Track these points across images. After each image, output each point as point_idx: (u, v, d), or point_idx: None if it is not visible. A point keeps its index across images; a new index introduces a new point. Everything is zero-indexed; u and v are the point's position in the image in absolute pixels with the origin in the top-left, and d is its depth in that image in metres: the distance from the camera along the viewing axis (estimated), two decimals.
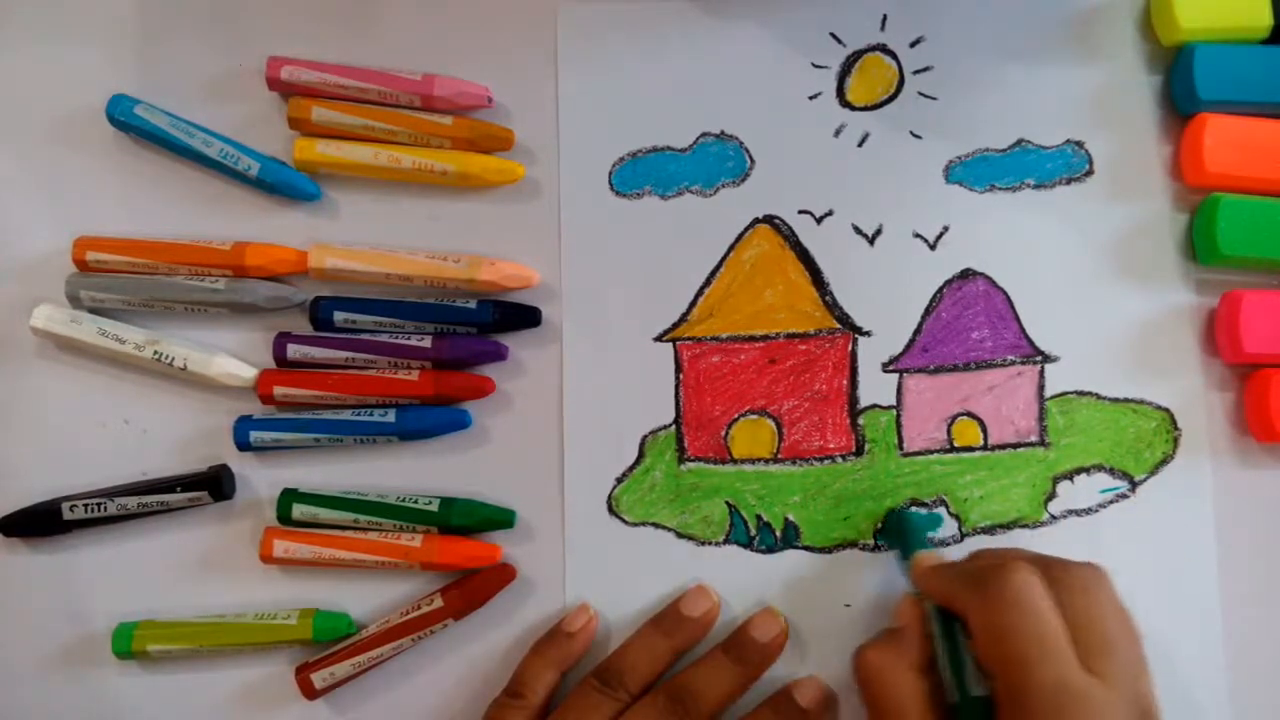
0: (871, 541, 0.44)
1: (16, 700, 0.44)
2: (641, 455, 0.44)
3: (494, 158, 0.45)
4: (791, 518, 0.44)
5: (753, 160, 0.46)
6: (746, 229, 0.45)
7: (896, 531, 0.43)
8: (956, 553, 0.43)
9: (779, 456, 0.44)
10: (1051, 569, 0.37)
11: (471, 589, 0.43)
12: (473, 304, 0.44)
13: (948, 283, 0.45)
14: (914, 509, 0.44)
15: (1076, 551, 0.42)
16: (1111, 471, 0.44)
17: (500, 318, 0.44)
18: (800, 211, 0.46)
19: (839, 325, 0.45)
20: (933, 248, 0.45)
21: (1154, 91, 0.46)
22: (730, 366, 0.45)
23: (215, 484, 0.43)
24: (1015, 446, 0.44)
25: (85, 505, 0.43)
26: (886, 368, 0.45)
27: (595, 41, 0.46)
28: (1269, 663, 0.43)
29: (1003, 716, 0.35)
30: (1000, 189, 0.46)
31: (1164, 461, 0.44)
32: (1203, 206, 0.44)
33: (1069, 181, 0.46)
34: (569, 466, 0.44)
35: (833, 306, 0.45)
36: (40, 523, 0.43)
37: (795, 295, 0.45)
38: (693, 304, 0.45)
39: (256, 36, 0.46)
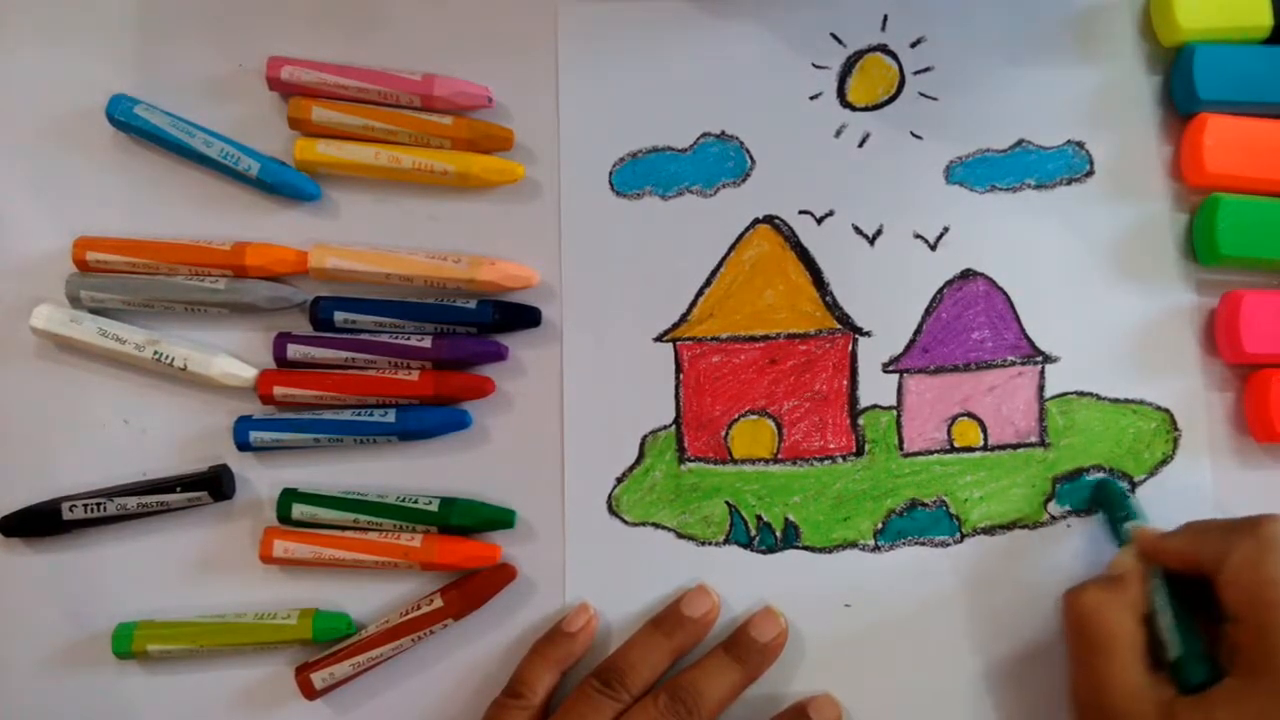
0: (872, 541, 0.44)
1: (16, 700, 0.44)
2: (641, 455, 0.44)
3: (494, 158, 0.45)
4: (791, 518, 0.44)
5: (753, 160, 0.46)
6: (747, 229, 0.45)
7: (1104, 504, 0.43)
8: (959, 550, 0.43)
9: (779, 457, 0.44)
10: None
11: (471, 589, 0.43)
12: (473, 304, 0.44)
13: (948, 283, 0.45)
14: (1112, 480, 0.44)
15: (1076, 552, 0.42)
16: (1111, 472, 0.44)
17: (500, 318, 0.44)
18: (801, 212, 0.46)
19: (839, 325, 0.45)
20: (933, 248, 0.45)
21: (1154, 91, 0.46)
22: (730, 366, 0.45)
23: (215, 484, 0.43)
24: (1015, 447, 0.44)
25: (85, 505, 0.43)
26: (887, 368, 0.45)
27: (595, 41, 0.46)
28: None
29: (1245, 659, 0.36)
30: (1001, 189, 0.46)
31: (1164, 462, 0.44)
32: (1203, 207, 0.44)
33: (1069, 182, 0.46)
34: (569, 466, 0.44)
35: (833, 307, 0.45)
36: (40, 523, 0.43)
37: (795, 295, 0.45)
38: (693, 304, 0.45)
39: (256, 36, 0.46)
